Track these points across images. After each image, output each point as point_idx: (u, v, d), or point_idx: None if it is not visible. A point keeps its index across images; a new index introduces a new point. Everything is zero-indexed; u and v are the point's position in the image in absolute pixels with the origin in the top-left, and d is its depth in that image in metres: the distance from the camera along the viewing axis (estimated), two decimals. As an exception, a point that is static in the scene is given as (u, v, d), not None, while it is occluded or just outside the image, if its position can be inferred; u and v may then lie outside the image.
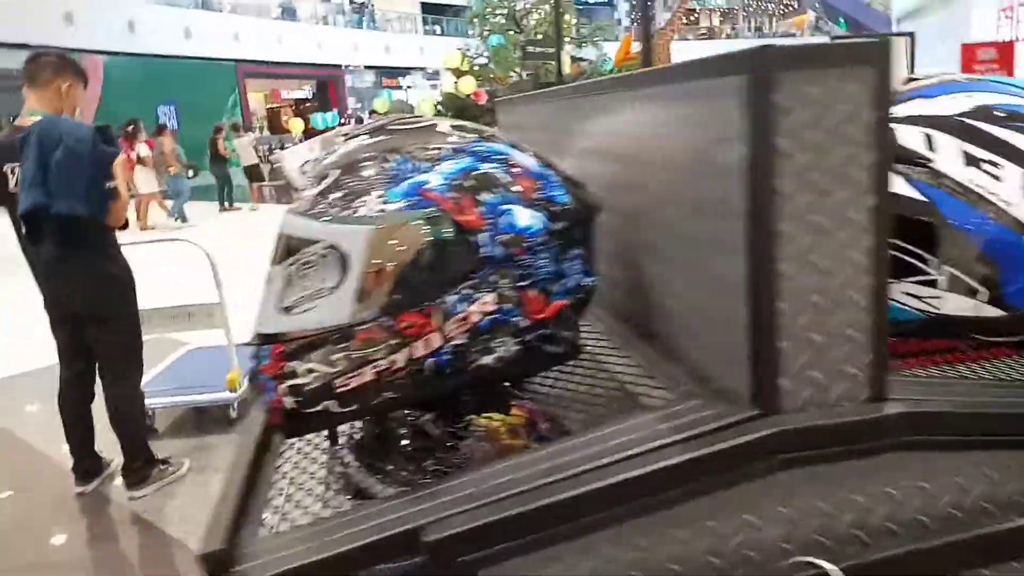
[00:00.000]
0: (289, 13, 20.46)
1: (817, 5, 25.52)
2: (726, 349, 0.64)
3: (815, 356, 0.60)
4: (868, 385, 0.62)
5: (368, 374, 0.70)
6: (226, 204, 11.51)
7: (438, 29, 23.30)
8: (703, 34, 28.65)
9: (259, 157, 12.17)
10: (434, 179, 0.70)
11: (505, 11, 14.23)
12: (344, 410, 0.72)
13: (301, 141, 12.90)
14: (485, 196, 0.71)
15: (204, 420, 3.45)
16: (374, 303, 0.69)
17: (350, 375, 0.70)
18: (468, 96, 15.13)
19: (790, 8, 30.25)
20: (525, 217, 0.71)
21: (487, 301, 0.70)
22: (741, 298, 0.60)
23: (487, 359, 0.72)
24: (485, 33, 15.23)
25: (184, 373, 3.61)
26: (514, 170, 0.73)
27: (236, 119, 12.42)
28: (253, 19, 18.68)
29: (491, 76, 15.43)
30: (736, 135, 0.58)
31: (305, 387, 0.72)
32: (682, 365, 0.74)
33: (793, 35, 28.62)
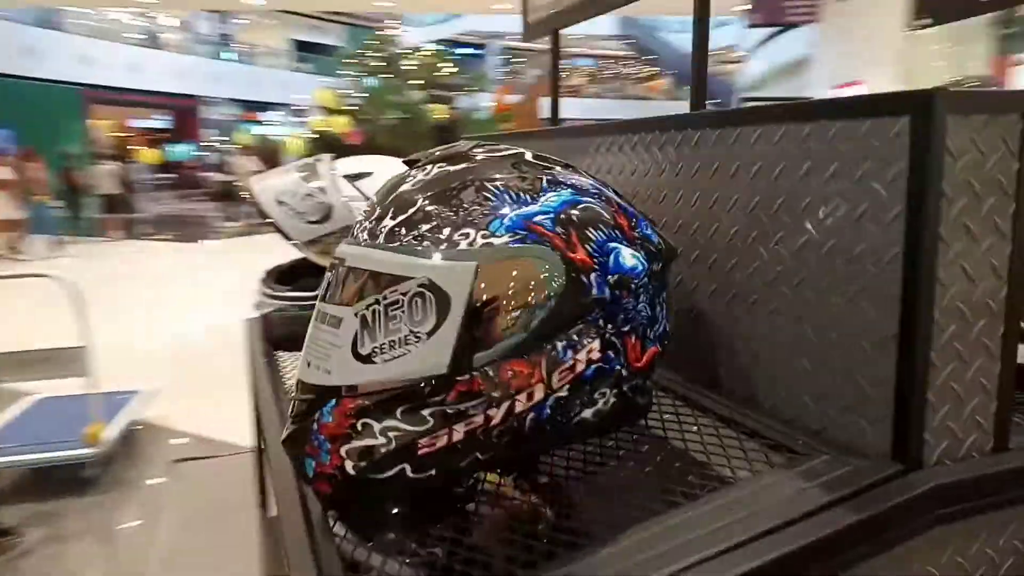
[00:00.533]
0: (151, 39, 19.34)
1: (674, 73, 27.49)
2: (858, 402, 0.62)
3: (954, 407, 0.59)
4: (993, 435, 0.61)
5: (459, 432, 0.61)
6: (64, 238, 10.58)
7: (305, 66, 22.84)
8: (570, 92, 30.04)
9: (122, 187, 11.40)
10: (539, 212, 0.63)
11: (383, 54, 14.23)
12: (420, 475, 0.62)
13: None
14: (591, 233, 0.64)
15: (50, 481, 3.01)
16: (478, 350, 0.60)
17: (438, 433, 0.61)
18: (339, 135, 14.91)
19: (646, 73, 32.44)
20: (629, 257, 0.66)
21: (593, 348, 0.64)
22: (891, 350, 0.58)
23: (587, 412, 0.65)
24: (359, 74, 15.12)
25: (31, 426, 3.16)
26: (611, 206, 0.68)
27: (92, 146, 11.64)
28: (105, 42, 17.47)
29: (364, 117, 15.31)
30: (894, 177, 0.56)
31: (379, 449, 0.61)
32: (775, 418, 0.71)
33: (649, 99, 30.63)
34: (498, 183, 0.65)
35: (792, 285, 0.68)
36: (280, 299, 1.16)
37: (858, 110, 0.60)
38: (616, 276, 0.64)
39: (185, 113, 20.21)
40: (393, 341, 0.60)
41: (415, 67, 15.17)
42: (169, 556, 2.35)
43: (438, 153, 0.69)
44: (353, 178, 1.18)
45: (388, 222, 0.64)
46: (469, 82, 16.42)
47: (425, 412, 0.61)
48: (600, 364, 0.64)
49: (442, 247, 0.61)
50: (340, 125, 14.08)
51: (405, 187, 0.66)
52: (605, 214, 0.66)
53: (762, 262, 0.72)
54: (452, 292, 0.59)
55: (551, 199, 0.65)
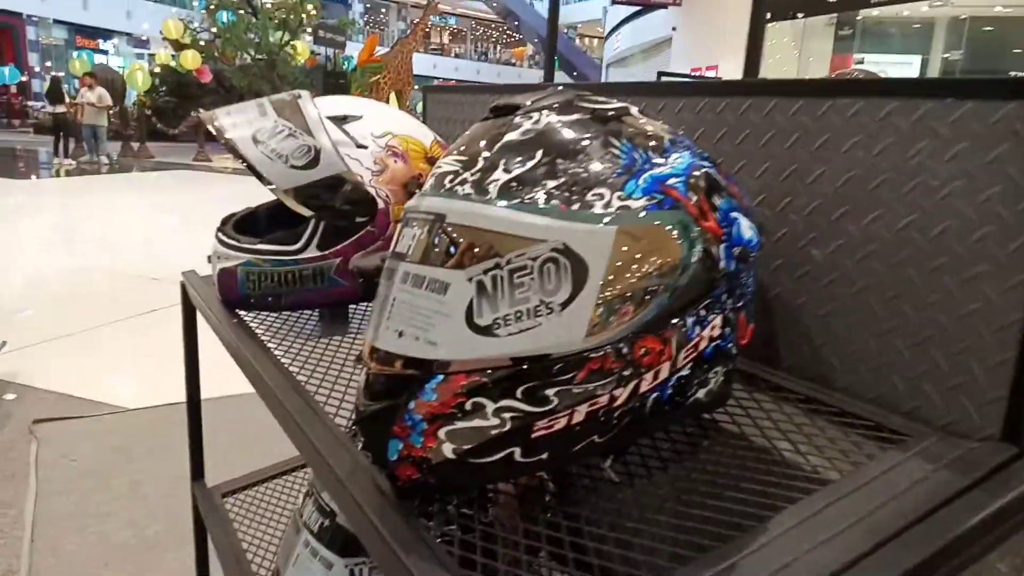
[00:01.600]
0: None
1: (536, 41, 27.65)
2: (966, 383, 0.62)
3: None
4: None
5: (581, 413, 0.55)
6: None
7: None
8: (435, 50, 29.44)
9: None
10: (671, 175, 0.58)
11: (240, -12, 13.22)
12: (529, 460, 0.56)
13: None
14: (717, 200, 0.60)
15: None
16: (614, 324, 0.54)
17: (559, 415, 0.55)
18: (189, 71, 13.78)
19: (512, 39, 32.39)
20: (747, 228, 0.62)
21: (715, 324, 0.60)
22: (1013, 336, 0.58)
23: (701, 392, 0.61)
24: (212, 7, 14.01)
25: None
26: (721, 172, 0.64)
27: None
28: None
29: (216, 54, 14.27)
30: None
31: (489, 431, 0.54)
32: (857, 397, 0.70)
33: (513, 64, 30.71)
34: (624, 139, 0.58)
35: (889, 264, 0.67)
36: (247, 252, 1.02)
37: (996, 92, 0.59)
38: (739, 248, 0.60)
39: (5, 32, 17.75)
40: (520, 312, 0.53)
41: (275, 4, 14.27)
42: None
43: (543, 101, 0.61)
44: (339, 120, 1.05)
45: (501, 175, 0.56)
46: (334, 29, 15.66)
47: (550, 392, 0.54)
48: (719, 342, 0.60)
49: (575, 207, 0.54)
50: (189, 61, 12.96)
51: (513, 136, 0.58)
52: (723, 180, 0.62)
53: (850, 239, 0.70)
54: (590, 259, 0.53)
55: (677, 160, 0.59)
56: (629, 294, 0.54)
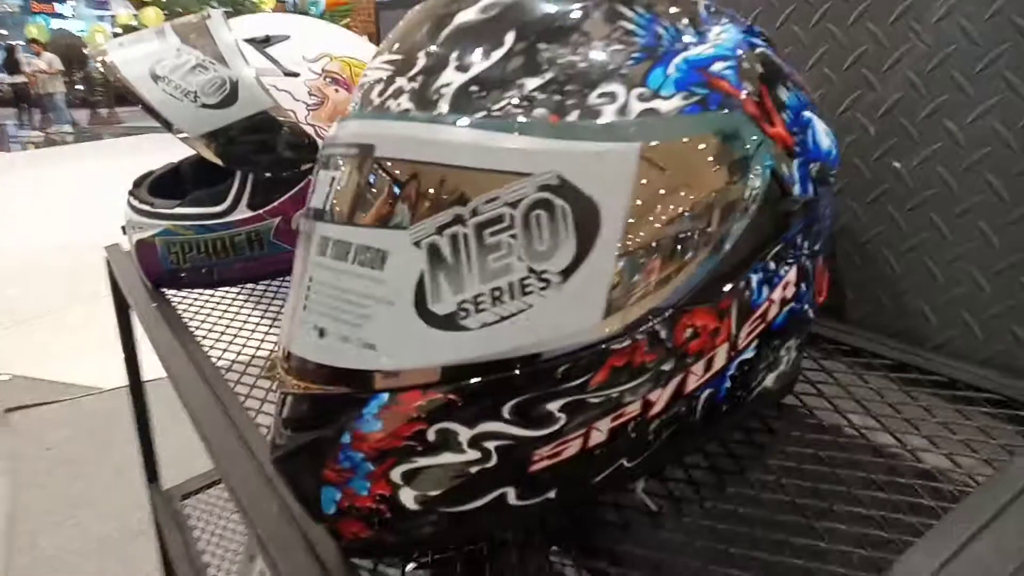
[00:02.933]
0: None
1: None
2: None
3: None
4: None
5: (601, 431, 0.36)
6: None
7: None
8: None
9: None
10: (716, 57, 0.38)
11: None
12: (527, 502, 0.37)
13: None
14: (783, 95, 0.40)
15: None
16: (643, 296, 0.35)
17: (570, 436, 0.36)
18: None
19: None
20: (823, 134, 0.42)
21: (790, 280, 0.40)
22: None
23: (770, 379, 0.42)
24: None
25: None
26: (779, 53, 0.43)
27: None
28: None
29: (179, 9, 13.81)
30: None
31: (467, 468, 0.36)
32: (965, 361, 0.52)
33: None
34: (640, 7, 0.38)
35: (1008, 174, 0.47)
36: (164, 218, 0.82)
37: None
38: (817, 164, 0.41)
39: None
40: (497, 290, 0.33)
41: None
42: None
43: None
44: (260, 43, 0.84)
45: (454, 75, 0.36)
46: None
47: (552, 406, 0.35)
48: (792, 304, 0.41)
49: (571, 117, 0.34)
50: (151, 18, 12.47)
51: (468, 16, 0.38)
52: (786, 66, 0.42)
53: (948, 143, 0.50)
54: (601, 199, 0.33)
55: (721, 36, 0.39)
56: (665, 248, 0.35)
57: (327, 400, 0.37)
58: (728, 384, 0.39)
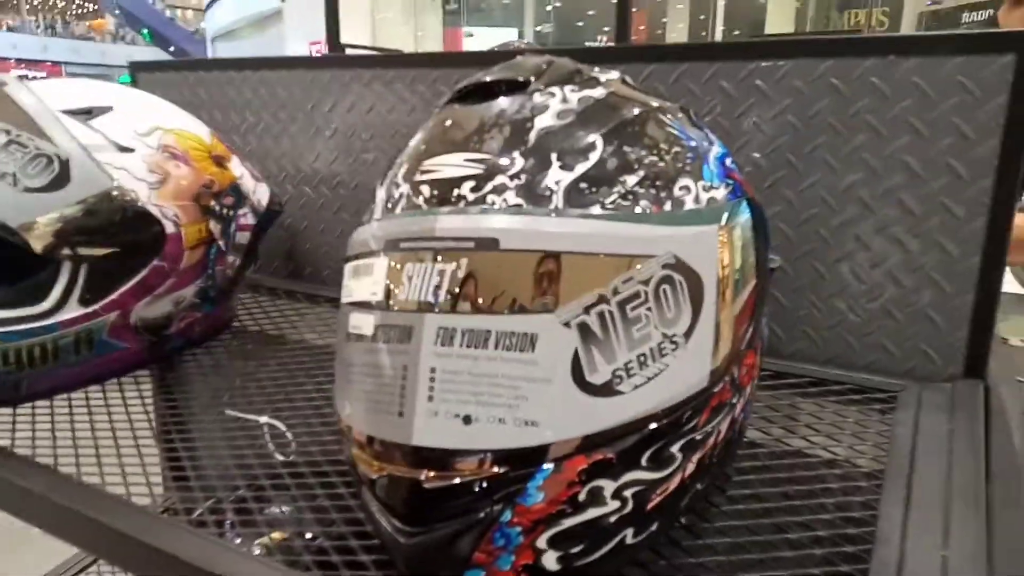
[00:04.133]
0: None
1: (117, 12, 24.25)
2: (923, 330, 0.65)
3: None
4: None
5: (693, 463, 0.44)
6: None
7: None
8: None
9: None
10: (724, 154, 0.48)
11: None
12: (639, 539, 0.43)
13: None
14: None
15: None
16: (728, 346, 0.43)
17: (678, 472, 0.43)
18: None
19: (86, 10, 27.89)
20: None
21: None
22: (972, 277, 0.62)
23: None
24: None
25: None
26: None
27: None
28: None
29: None
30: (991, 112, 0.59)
31: (606, 519, 0.41)
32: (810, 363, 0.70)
33: (92, 38, 26.61)
34: (669, 115, 0.47)
35: (832, 226, 0.67)
36: None
37: (943, 48, 0.60)
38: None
39: None
40: (643, 355, 0.39)
41: None
42: None
43: (552, 74, 0.46)
44: (82, 115, 0.71)
45: (560, 174, 0.41)
46: None
47: (675, 448, 0.42)
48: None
49: (666, 207, 0.42)
50: None
51: (548, 121, 0.43)
52: None
53: (787, 206, 0.69)
54: (701, 270, 0.41)
55: (710, 135, 0.50)
56: (736, 304, 0.44)
57: (482, 484, 0.38)
58: (744, 414, 0.50)
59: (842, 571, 0.45)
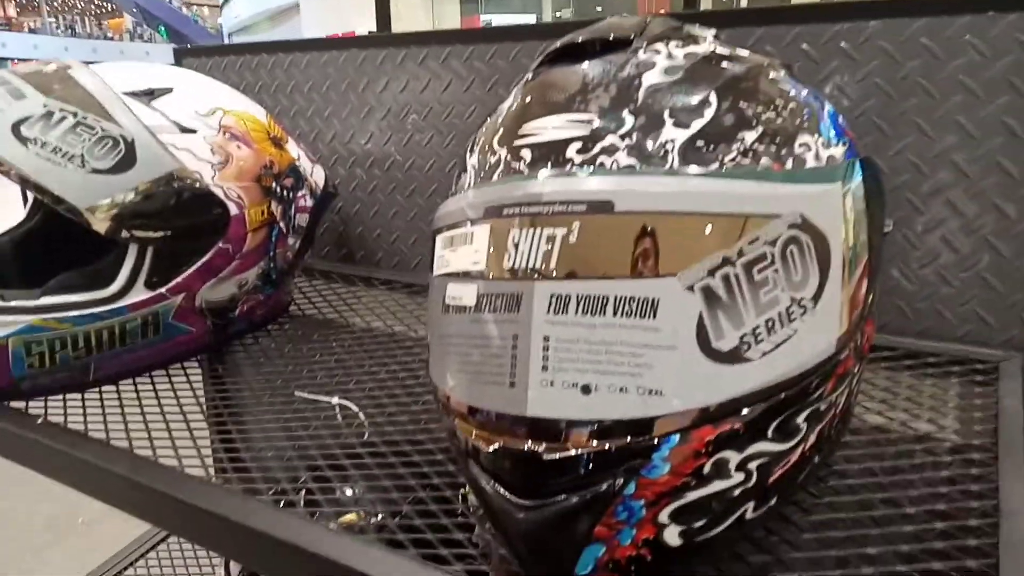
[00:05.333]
0: None
1: (135, 10, 24.43)
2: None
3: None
4: None
5: (814, 434, 0.42)
6: None
7: None
8: (2, 24, 24.22)
9: None
10: (834, 112, 0.46)
11: None
12: (757, 514, 0.41)
13: None
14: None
15: None
16: (854, 312, 0.41)
17: (800, 442, 0.41)
18: None
19: (104, 9, 28.12)
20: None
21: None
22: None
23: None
24: None
25: None
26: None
27: None
28: None
29: None
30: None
31: (730, 492, 0.39)
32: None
33: (111, 38, 26.85)
34: (779, 71, 0.45)
35: (921, 193, 0.64)
36: (25, 313, 0.64)
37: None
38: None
39: None
40: (771, 321, 0.37)
41: None
42: None
43: (650, 31, 0.44)
44: (145, 96, 0.70)
45: (675, 132, 0.39)
46: None
47: (800, 419, 0.40)
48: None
49: (788, 164, 0.40)
50: None
51: (656, 79, 0.41)
52: None
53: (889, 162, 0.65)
54: (828, 231, 0.39)
55: (818, 93, 0.47)
56: (858, 268, 0.42)
57: (603, 456, 0.37)
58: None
59: (969, 545, 0.42)
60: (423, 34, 0.89)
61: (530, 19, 11.73)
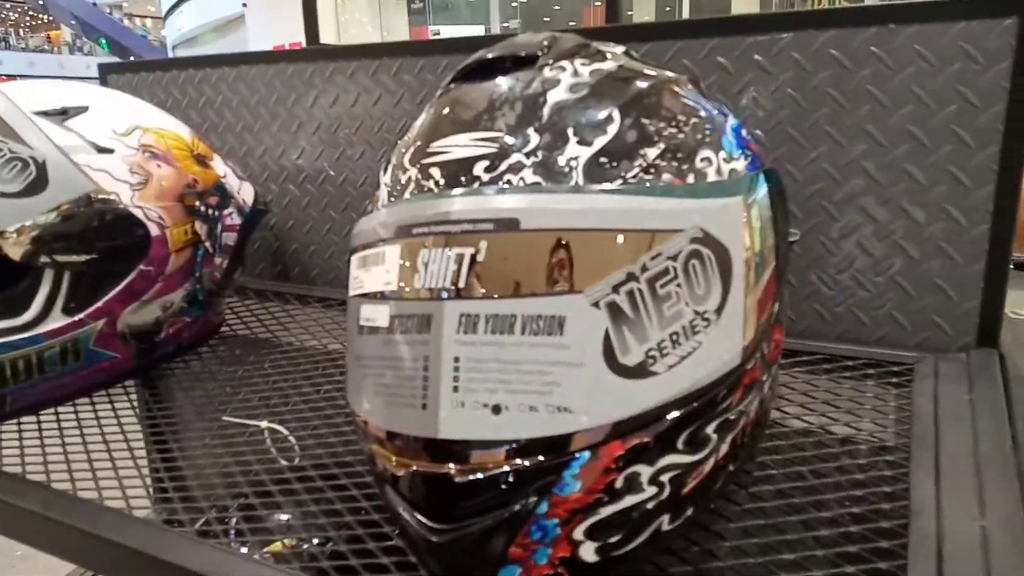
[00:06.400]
0: None
1: (73, 22, 23.74)
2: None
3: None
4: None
5: (727, 444, 0.43)
6: None
7: None
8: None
9: None
10: (739, 125, 0.47)
11: None
12: (673, 527, 0.42)
13: None
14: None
15: None
16: (758, 321, 0.42)
17: (711, 453, 0.42)
18: None
19: (40, 20, 27.29)
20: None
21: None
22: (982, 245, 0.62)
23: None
24: None
25: None
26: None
27: None
28: None
29: None
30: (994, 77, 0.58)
31: (643, 506, 0.39)
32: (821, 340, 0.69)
33: (47, 50, 26.06)
34: (684, 86, 0.45)
35: (835, 200, 0.66)
36: None
37: (943, 14, 0.60)
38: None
39: None
40: (675, 334, 0.38)
41: None
42: None
43: (556, 48, 0.45)
44: (58, 116, 0.68)
45: (578, 149, 0.39)
46: None
47: (710, 429, 0.41)
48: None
49: (689, 179, 0.40)
50: None
51: (562, 95, 0.41)
52: None
53: (789, 180, 0.68)
54: (729, 243, 0.40)
55: (724, 107, 0.48)
56: (762, 279, 0.43)
57: (515, 475, 0.37)
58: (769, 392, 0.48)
59: (881, 547, 0.44)
60: (352, 48, 0.89)
61: (478, 30, 11.77)
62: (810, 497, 0.49)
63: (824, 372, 0.62)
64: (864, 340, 0.67)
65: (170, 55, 18.40)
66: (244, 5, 13.23)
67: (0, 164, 0.62)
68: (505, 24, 11.91)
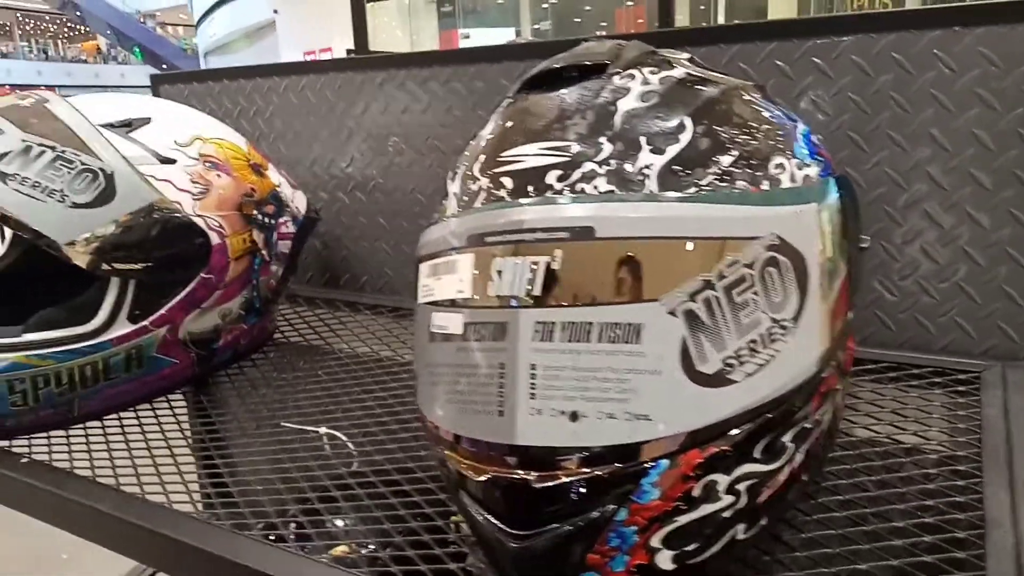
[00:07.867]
0: None
1: (108, 32, 24.29)
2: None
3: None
4: None
5: (801, 454, 0.42)
6: None
7: None
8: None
9: None
10: (809, 131, 0.46)
11: None
12: (748, 535, 0.42)
13: None
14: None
15: None
16: (834, 330, 0.42)
17: (787, 462, 0.41)
18: None
19: (77, 32, 27.97)
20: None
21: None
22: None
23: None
24: None
25: None
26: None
27: None
28: None
29: None
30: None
31: (719, 515, 0.39)
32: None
33: (84, 60, 26.72)
34: (753, 92, 0.45)
35: (898, 205, 0.65)
36: (8, 350, 0.63)
37: (1009, 15, 0.59)
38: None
39: None
40: (753, 342, 0.38)
41: None
42: None
43: (624, 56, 0.45)
44: (122, 128, 0.70)
45: (651, 157, 0.39)
46: None
47: (787, 438, 0.40)
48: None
49: (764, 186, 0.40)
50: None
51: (631, 106, 0.41)
52: None
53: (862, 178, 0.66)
54: (805, 250, 0.40)
55: (792, 112, 0.48)
56: (836, 286, 0.42)
57: (594, 482, 0.37)
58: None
59: (956, 557, 0.43)
60: (402, 56, 0.90)
61: (509, 32, 11.80)
62: (877, 507, 0.49)
63: (890, 380, 0.61)
64: (929, 348, 0.66)
65: (202, 62, 18.73)
66: (275, 12, 13.43)
67: (73, 176, 0.64)
68: (536, 26, 11.91)
